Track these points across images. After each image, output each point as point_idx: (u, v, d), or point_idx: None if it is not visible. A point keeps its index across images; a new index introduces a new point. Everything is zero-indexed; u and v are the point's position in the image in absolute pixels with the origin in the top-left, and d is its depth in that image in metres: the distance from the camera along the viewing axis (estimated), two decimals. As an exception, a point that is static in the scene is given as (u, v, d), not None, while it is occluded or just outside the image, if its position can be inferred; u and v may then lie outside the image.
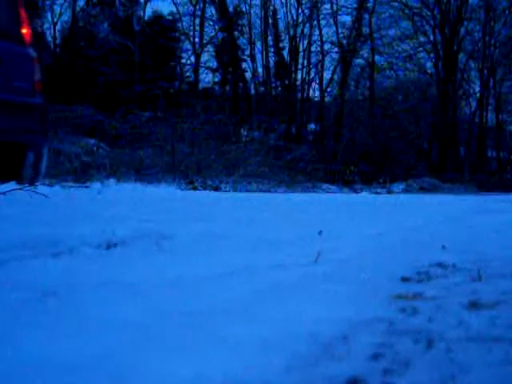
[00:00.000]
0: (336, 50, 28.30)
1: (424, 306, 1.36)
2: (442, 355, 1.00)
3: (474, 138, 29.53)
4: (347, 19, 28.70)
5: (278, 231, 3.21)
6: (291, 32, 27.84)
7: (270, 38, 28.37)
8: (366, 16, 27.67)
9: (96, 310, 1.26)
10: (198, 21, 27.65)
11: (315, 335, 1.09)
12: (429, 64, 29.70)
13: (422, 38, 28.90)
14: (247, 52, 28.59)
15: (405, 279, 1.72)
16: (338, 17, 27.99)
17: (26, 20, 6.32)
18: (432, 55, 28.76)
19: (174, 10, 28.23)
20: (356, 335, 1.10)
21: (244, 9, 28.74)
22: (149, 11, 30.41)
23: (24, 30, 6.25)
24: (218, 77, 29.28)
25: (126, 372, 0.88)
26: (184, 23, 28.16)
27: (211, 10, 28.38)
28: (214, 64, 29.04)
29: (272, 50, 28.43)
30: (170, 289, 1.52)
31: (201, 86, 28.44)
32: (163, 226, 2.98)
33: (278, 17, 28.70)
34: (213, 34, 28.33)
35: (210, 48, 28.88)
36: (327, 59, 28.58)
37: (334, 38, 28.08)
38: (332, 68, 28.51)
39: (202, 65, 28.34)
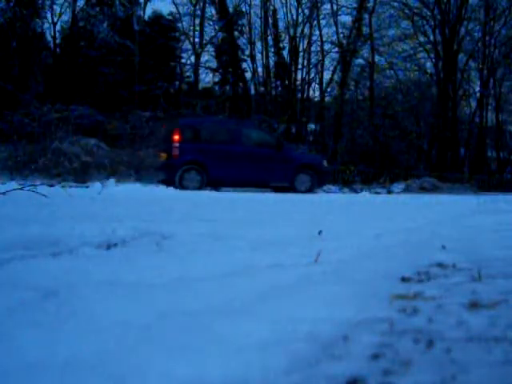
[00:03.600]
0: (336, 50, 28.33)
1: (424, 305, 1.36)
2: (442, 355, 1.00)
3: (474, 138, 29.54)
4: (347, 19, 28.73)
5: (277, 231, 3.21)
6: (291, 32, 27.83)
7: (269, 37, 28.37)
8: (366, 16, 27.65)
9: (96, 309, 1.26)
10: (198, 21, 27.63)
11: (315, 335, 1.09)
12: (429, 64, 29.73)
13: (421, 38, 28.91)
14: (247, 52, 28.58)
15: (405, 279, 1.72)
16: (338, 17, 27.97)
17: None
18: (432, 55, 28.77)
19: (174, 10, 28.26)
20: (356, 335, 1.10)
21: (244, 9, 28.73)
22: (149, 11, 30.45)
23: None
24: (218, 77, 29.30)
25: (126, 372, 0.88)
26: (184, 23, 28.17)
27: (211, 10, 28.40)
28: (214, 64, 29.07)
29: (272, 50, 28.43)
30: (170, 289, 1.52)
31: (201, 86, 28.44)
32: (163, 226, 2.98)
33: (278, 17, 28.67)
34: (213, 34, 28.34)
35: (210, 48, 28.89)
36: (327, 59, 28.58)
37: (334, 38, 28.09)
38: (332, 68, 28.52)
39: (202, 65, 28.34)
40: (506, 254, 2.25)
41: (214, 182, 13.67)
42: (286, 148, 14.95)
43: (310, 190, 14.51)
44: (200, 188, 13.31)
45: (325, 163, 15.47)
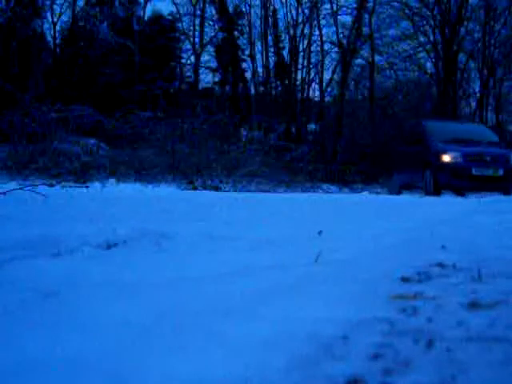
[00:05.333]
0: (336, 49, 28.31)
1: (424, 305, 1.36)
2: (442, 355, 1.00)
3: (474, 138, 29.49)
4: (347, 19, 28.70)
5: (277, 231, 3.21)
6: (291, 32, 27.82)
7: (269, 37, 28.37)
8: (366, 16, 27.64)
9: (96, 309, 1.26)
10: (198, 21, 27.63)
11: (315, 335, 1.09)
12: (429, 64, 29.69)
13: (422, 38, 28.87)
14: (247, 52, 28.56)
15: (405, 279, 1.72)
16: (338, 17, 27.97)
17: None
18: (432, 55, 28.74)
19: (174, 10, 28.25)
20: (356, 335, 1.10)
21: (244, 9, 28.71)
22: (149, 11, 30.44)
23: None
24: (218, 77, 29.28)
25: (126, 372, 0.88)
26: (184, 23, 28.16)
27: (211, 10, 28.38)
28: (214, 64, 29.05)
29: (272, 49, 28.43)
30: (170, 289, 1.52)
31: (201, 86, 28.43)
32: (163, 226, 2.98)
33: (278, 17, 28.68)
34: (213, 34, 28.33)
35: (210, 48, 28.87)
36: (327, 59, 28.56)
37: (334, 38, 28.08)
38: (332, 68, 28.51)
39: (202, 65, 28.33)
40: (505, 254, 2.25)
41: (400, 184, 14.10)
42: (431, 140, 11.73)
43: (431, 193, 11.21)
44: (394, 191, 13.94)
45: (445, 157, 11.16)
